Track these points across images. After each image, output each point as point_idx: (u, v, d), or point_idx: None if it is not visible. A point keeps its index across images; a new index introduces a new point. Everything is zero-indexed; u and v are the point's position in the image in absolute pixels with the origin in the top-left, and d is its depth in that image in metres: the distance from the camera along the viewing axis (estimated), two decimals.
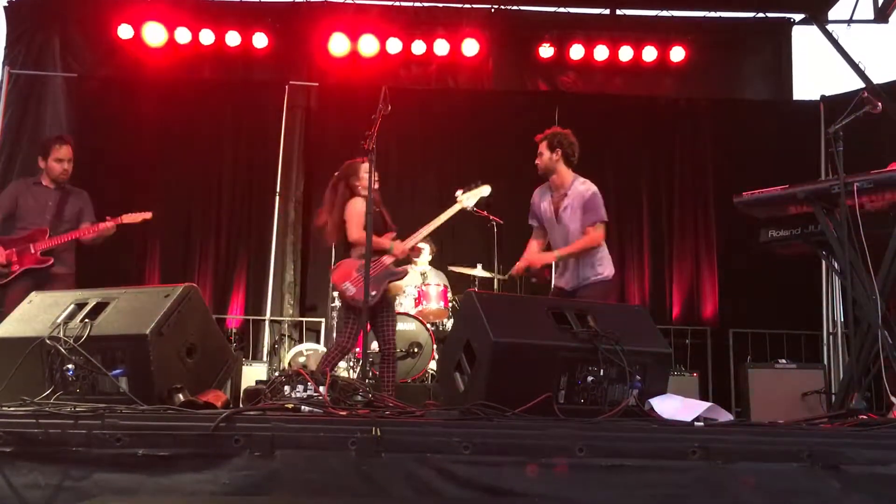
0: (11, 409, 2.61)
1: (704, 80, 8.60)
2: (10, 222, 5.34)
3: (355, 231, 4.76)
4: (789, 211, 4.12)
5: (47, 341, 2.98)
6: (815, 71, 8.67)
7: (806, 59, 8.76)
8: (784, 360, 6.56)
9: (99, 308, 3.17)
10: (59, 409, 2.57)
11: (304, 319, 7.89)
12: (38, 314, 3.23)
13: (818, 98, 8.24)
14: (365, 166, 4.75)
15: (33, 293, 3.49)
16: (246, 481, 2.31)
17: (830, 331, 7.84)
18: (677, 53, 8.44)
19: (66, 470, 2.30)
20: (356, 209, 4.78)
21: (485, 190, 5.53)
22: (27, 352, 3.00)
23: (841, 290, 7.36)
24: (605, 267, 4.83)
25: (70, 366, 2.96)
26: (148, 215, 5.50)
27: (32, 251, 5.21)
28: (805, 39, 8.69)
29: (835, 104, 7.83)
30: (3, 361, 3.07)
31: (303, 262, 8.07)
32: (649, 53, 8.44)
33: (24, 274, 5.18)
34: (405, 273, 5.14)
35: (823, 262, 6.98)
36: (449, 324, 6.71)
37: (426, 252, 7.21)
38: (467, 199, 5.47)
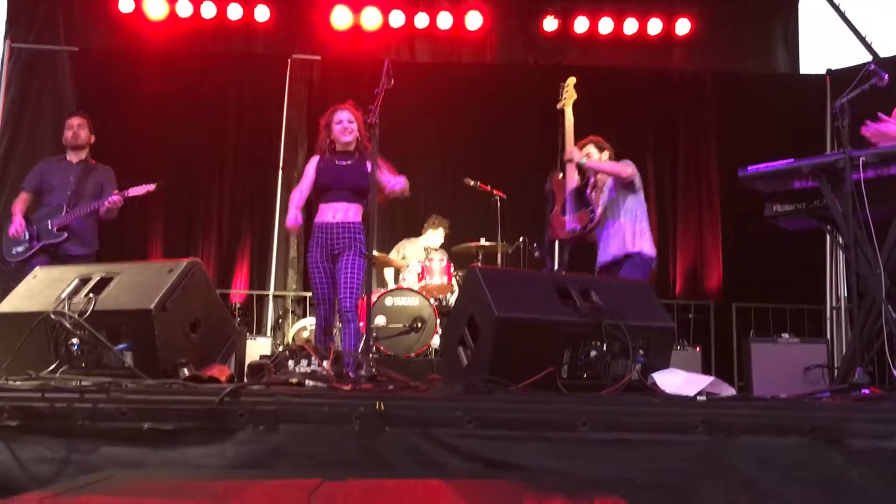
0: (17, 383, 2.62)
1: (710, 52, 8.54)
2: (37, 198, 5.49)
3: None
4: (794, 185, 4.10)
5: (52, 316, 2.99)
6: (822, 44, 8.56)
7: (812, 31, 8.67)
8: (787, 335, 6.55)
9: (103, 283, 3.17)
10: (65, 383, 2.58)
11: (307, 294, 7.90)
12: (43, 289, 3.24)
13: (824, 71, 8.18)
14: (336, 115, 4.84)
15: (37, 268, 3.50)
16: (251, 455, 2.32)
17: (834, 305, 7.85)
18: (683, 26, 8.38)
19: (72, 443, 2.32)
20: None
21: None
22: (32, 326, 3.01)
23: (845, 265, 7.35)
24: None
25: (75, 340, 2.97)
26: (151, 187, 5.52)
27: (50, 227, 5.31)
28: (812, 12, 8.60)
29: (841, 78, 7.79)
30: (9, 336, 3.08)
31: (306, 236, 8.06)
32: (654, 26, 8.39)
33: (42, 251, 5.28)
34: None
35: (828, 237, 6.98)
36: (452, 299, 6.72)
37: (440, 233, 7.22)
38: None
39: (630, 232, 4.83)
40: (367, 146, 4.80)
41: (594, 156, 5.18)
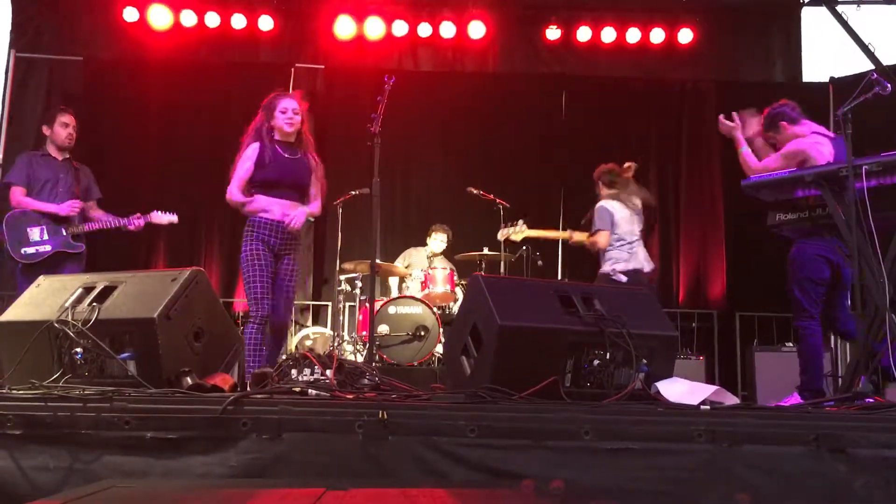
0: (21, 392, 2.63)
1: (713, 62, 8.55)
2: (27, 194, 5.35)
3: None
4: (797, 194, 4.10)
5: (56, 325, 3.00)
6: (825, 52, 8.57)
7: (815, 40, 8.69)
8: (791, 344, 6.55)
9: (107, 292, 3.18)
10: (68, 392, 2.58)
11: (310, 303, 7.91)
12: (46, 298, 3.24)
13: (827, 80, 8.18)
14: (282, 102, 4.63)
15: (41, 277, 3.50)
16: (254, 464, 2.33)
17: None
18: (685, 35, 8.40)
19: (75, 452, 2.32)
20: None
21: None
22: (36, 335, 3.01)
23: None
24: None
25: (78, 349, 2.97)
26: (175, 219, 5.54)
27: (64, 234, 5.27)
28: (814, 20, 8.62)
29: (844, 86, 7.78)
30: (13, 345, 3.09)
31: (309, 245, 8.08)
32: (657, 35, 8.41)
33: (50, 257, 5.24)
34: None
35: None
36: (455, 307, 6.72)
37: (442, 239, 7.22)
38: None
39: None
40: (308, 138, 4.70)
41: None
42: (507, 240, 6.23)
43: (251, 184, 4.54)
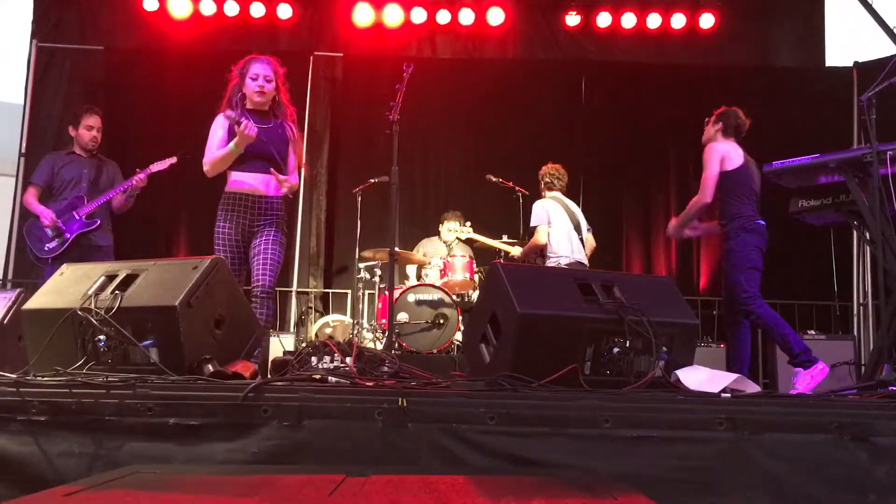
0: (45, 379, 2.66)
1: (734, 47, 8.46)
2: (49, 193, 5.54)
3: None
4: (820, 180, 4.07)
5: (79, 312, 3.03)
6: (848, 36, 8.45)
7: (838, 24, 8.56)
8: (813, 332, 6.50)
9: (129, 280, 3.20)
10: (92, 379, 2.61)
11: (330, 291, 7.94)
12: (70, 286, 3.27)
13: (851, 64, 8.07)
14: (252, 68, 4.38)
15: (65, 265, 3.54)
16: (275, 450, 2.34)
17: (861, 301, 7.75)
18: (707, 20, 8.32)
19: (99, 439, 2.35)
20: None
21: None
22: (60, 323, 3.04)
23: (872, 260, 7.26)
24: None
25: (101, 337, 3.00)
26: (173, 160, 5.58)
27: (77, 217, 5.38)
28: (838, 4, 8.48)
29: (868, 70, 7.68)
30: (37, 332, 3.12)
31: (328, 233, 8.10)
32: (678, 20, 8.33)
33: (74, 243, 5.36)
34: None
35: (854, 232, 6.89)
36: (474, 295, 6.73)
37: (454, 225, 7.21)
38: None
39: None
40: (285, 105, 4.38)
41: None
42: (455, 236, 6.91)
43: None
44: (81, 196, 5.44)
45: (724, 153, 4.87)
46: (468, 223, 6.92)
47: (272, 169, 4.24)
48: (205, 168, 4.31)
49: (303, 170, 8.02)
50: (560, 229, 6.11)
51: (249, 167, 4.24)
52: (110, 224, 5.64)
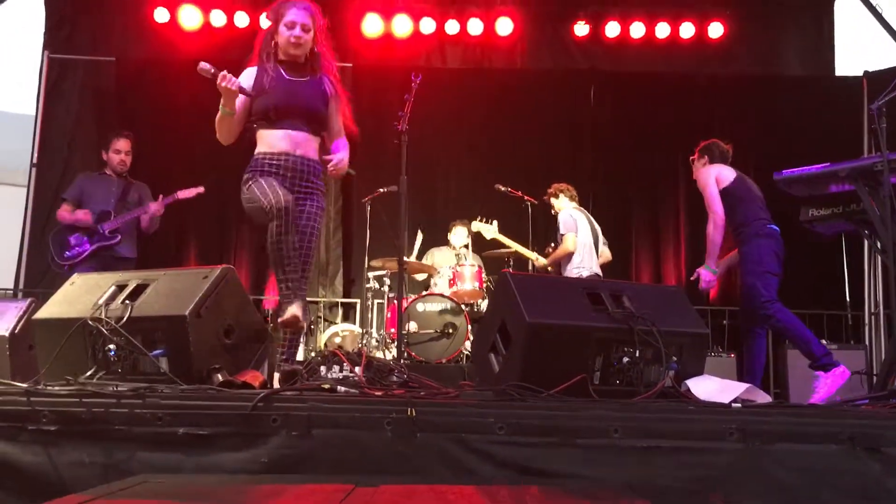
0: (56, 388, 2.67)
1: (744, 56, 8.45)
2: (79, 208, 5.66)
3: None
4: (830, 189, 4.05)
5: (89, 322, 3.04)
6: (858, 45, 8.43)
7: (848, 32, 8.54)
8: (825, 341, 6.45)
9: (139, 290, 3.22)
10: (102, 388, 2.62)
11: (339, 300, 7.94)
12: (81, 296, 3.29)
13: (861, 73, 8.04)
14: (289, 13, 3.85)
15: (75, 275, 3.56)
16: (284, 460, 2.34)
17: (872, 311, 7.70)
18: (716, 29, 8.31)
19: (109, 448, 2.35)
20: None
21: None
22: (70, 332, 3.06)
23: (884, 270, 7.21)
24: None
25: (112, 346, 3.01)
26: (201, 189, 5.81)
27: (101, 230, 5.53)
28: (847, 13, 8.47)
29: (878, 79, 7.65)
30: (47, 342, 3.14)
31: (337, 242, 8.11)
32: (687, 30, 8.33)
33: (92, 256, 5.51)
34: None
35: (865, 242, 6.86)
36: (484, 304, 6.72)
37: (463, 232, 7.22)
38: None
39: None
40: (323, 56, 3.81)
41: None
42: (478, 232, 6.85)
43: (250, 115, 3.80)
44: (108, 211, 5.62)
45: (715, 173, 4.95)
46: (494, 221, 6.84)
47: (311, 136, 3.78)
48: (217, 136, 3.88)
49: None
50: (584, 241, 6.14)
51: (284, 124, 3.70)
52: (135, 238, 5.77)
